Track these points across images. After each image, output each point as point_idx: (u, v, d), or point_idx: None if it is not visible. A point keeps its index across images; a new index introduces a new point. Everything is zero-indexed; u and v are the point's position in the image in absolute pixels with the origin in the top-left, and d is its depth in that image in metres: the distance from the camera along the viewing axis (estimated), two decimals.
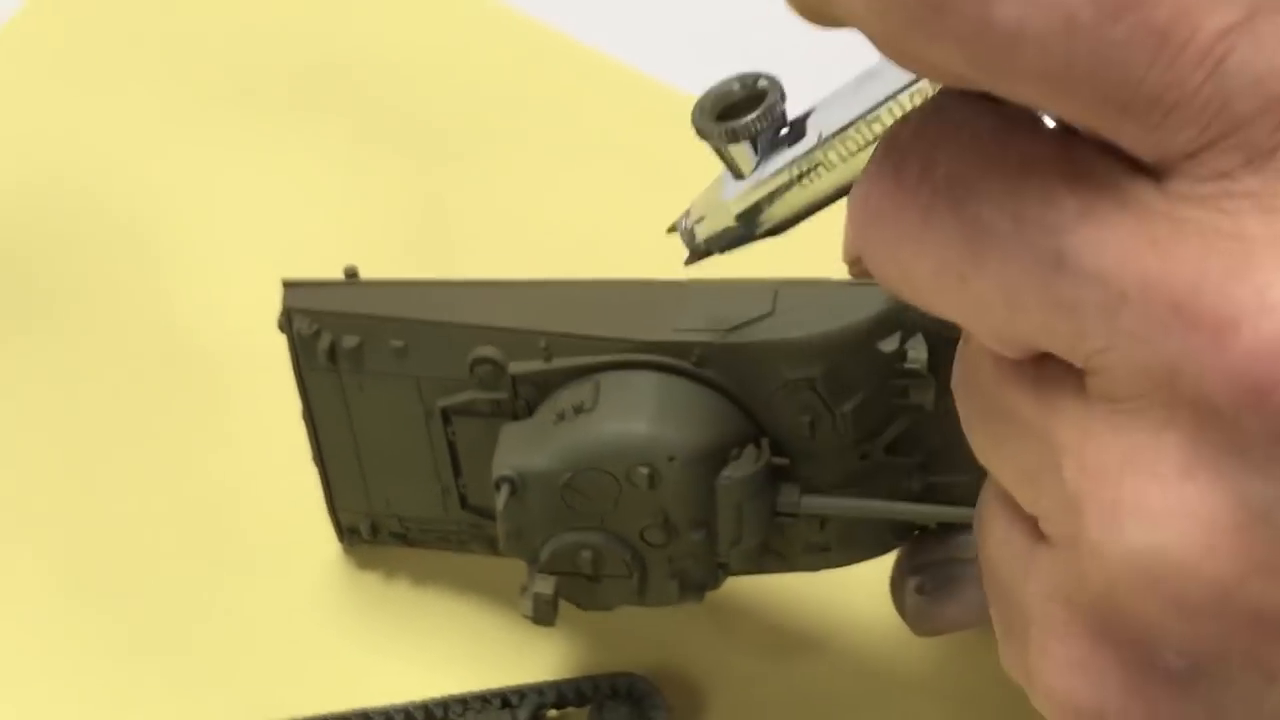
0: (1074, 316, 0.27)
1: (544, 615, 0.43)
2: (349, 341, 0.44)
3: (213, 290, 0.55)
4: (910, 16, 0.26)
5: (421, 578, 0.51)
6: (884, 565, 0.47)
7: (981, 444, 0.31)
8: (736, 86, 0.35)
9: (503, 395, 0.43)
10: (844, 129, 0.34)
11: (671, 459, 0.41)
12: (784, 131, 0.35)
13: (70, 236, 0.56)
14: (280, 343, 0.53)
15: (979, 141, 0.28)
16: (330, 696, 0.49)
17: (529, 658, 0.49)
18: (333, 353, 0.44)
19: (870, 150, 0.33)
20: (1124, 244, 0.27)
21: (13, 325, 0.55)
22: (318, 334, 0.44)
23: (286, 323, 0.45)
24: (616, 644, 0.50)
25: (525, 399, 0.43)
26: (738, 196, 0.36)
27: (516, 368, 0.42)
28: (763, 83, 0.35)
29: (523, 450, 0.42)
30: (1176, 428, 0.27)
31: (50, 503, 0.52)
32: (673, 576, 0.43)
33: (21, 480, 0.52)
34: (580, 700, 0.48)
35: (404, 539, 0.48)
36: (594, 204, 0.56)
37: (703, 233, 0.37)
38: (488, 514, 0.46)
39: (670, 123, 0.57)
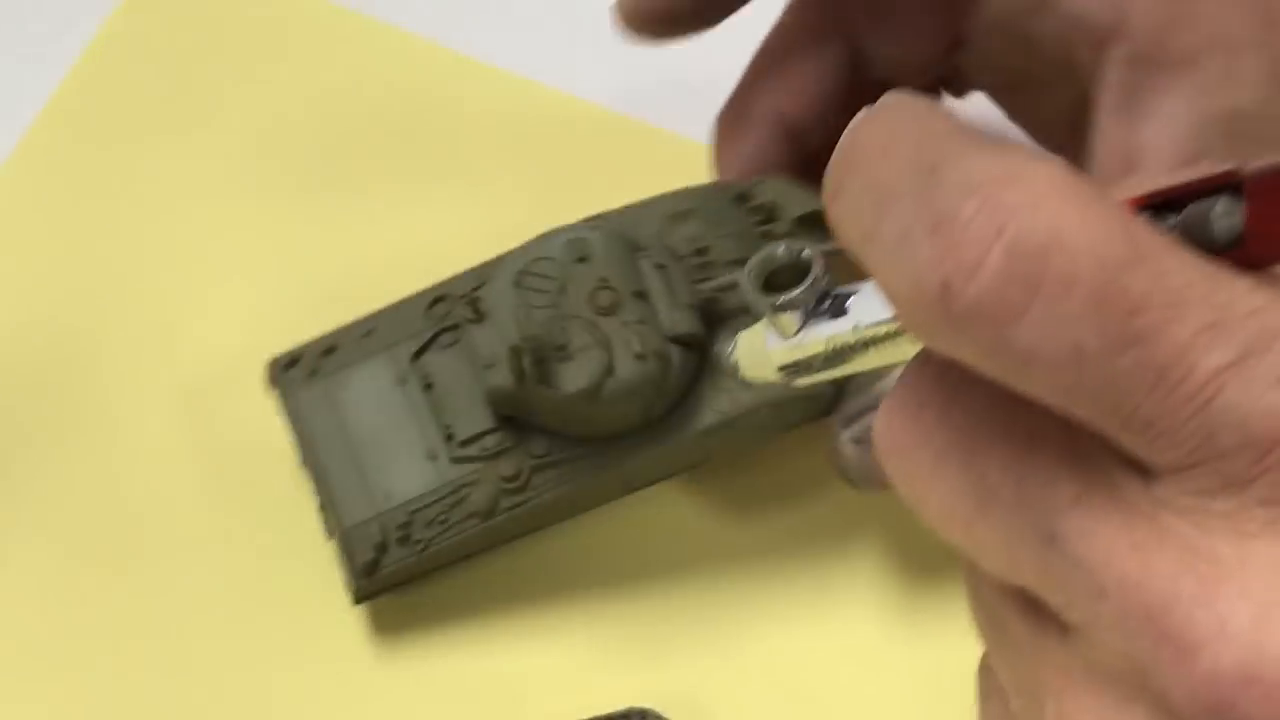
0: (1062, 589, 0.30)
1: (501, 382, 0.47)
2: (323, 346, 0.51)
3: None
4: (932, 322, 0.28)
5: (435, 624, 0.52)
6: (887, 588, 0.50)
7: (983, 636, 0.33)
8: (781, 252, 0.37)
9: (460, 318, 0.49)
10: (878, 327, 0.36)
11: (595, 229, 0.48)
12: (826, 303, 0.37)
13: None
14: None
15: (993, 406, 0.30)
16: None
17: (545, 701, 0.51)
18: (313, 367, 0.50)
19: (898, 352, 0.35)
20: (1110, 540, 0.29)
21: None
22: (295, 360, 0.50)
23: (272, 372, 0.51)
24: (627, 680, 0.51)
25: (479, 310, 0.49)
26: (781, 352, 0.37)
27: (462, 289, 0.50)
28: (807, 254, 0.37)
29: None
30: (1143, 707, 0.29)
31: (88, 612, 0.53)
32: (636, 357, 0.47)
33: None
34: None
35: (411, 546, 0.48)
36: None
37: (745, 372, 0.39)
38: (475, 442, 0.48)
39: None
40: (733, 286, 0.48)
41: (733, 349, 0.40)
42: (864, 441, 0.46)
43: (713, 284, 0.49)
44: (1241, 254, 0.28)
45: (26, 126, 0.61)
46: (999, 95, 0.53)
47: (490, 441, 0.48)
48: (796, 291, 0.36)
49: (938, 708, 0.50)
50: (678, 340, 0.48)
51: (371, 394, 0.50)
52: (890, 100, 0.31)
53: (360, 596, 0.49)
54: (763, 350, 0.39)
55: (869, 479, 0.47)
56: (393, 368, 0.50)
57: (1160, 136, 0.45)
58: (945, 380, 0.31)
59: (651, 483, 0.50)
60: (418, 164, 0.60)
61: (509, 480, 0.48)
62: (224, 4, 0.63)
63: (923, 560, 0.53)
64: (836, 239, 0.31)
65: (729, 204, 0.51)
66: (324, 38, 0.63)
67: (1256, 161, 0.28)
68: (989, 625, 0.32)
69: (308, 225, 0.59)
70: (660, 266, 0.49)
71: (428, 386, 0.50)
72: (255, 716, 0.51)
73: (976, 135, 0.29)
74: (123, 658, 0.52)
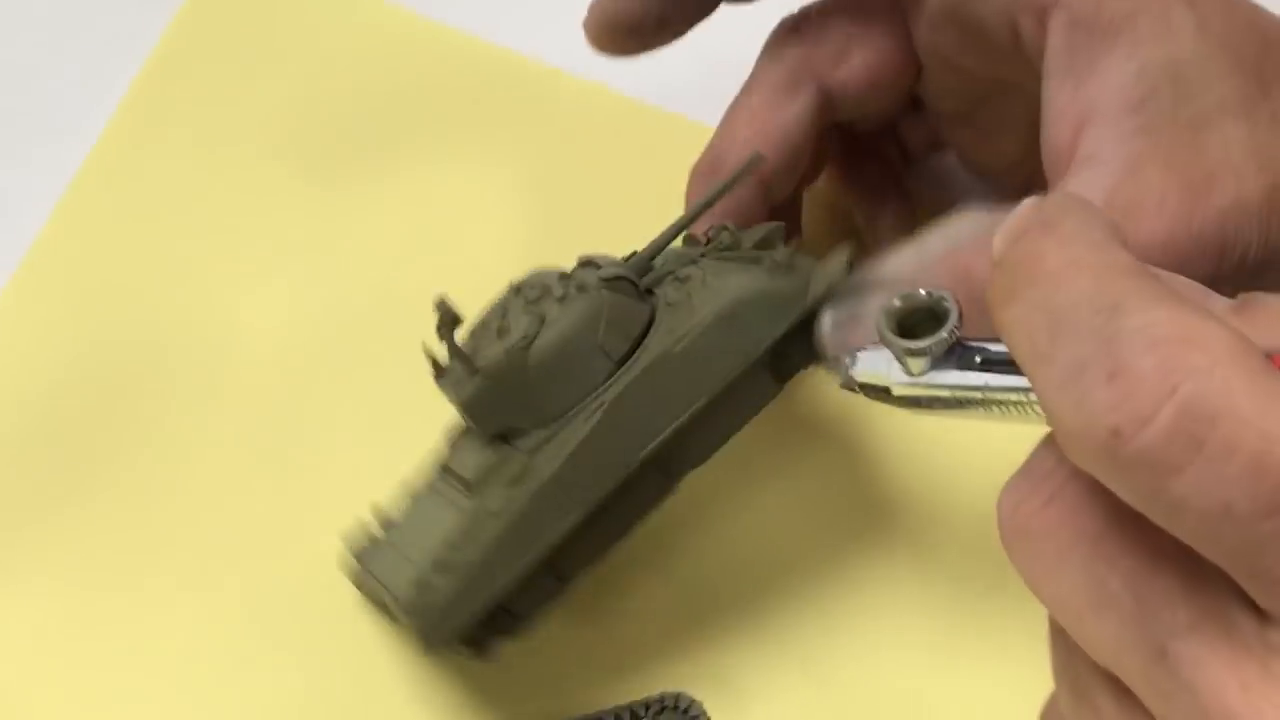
0: (1164, 701, 0.31)
1: None
2: (380, 519, 0.53)
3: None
4: (1096, 458, 0.31)
5: None
6: (916, 582, 0.51)
7: (1065, 697, 0.34)
8: (922, 295, 0.38)
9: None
10: (1008, 394, 0.36)
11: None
12: (956, 351, 0.37)
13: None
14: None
15: (1120, 517, 0.32)
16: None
17: (582, 690, 0.52)
18: (374, 536, 0.53)
19: (1024, 420, 0.36)
20: (1221, 673, 0.31)
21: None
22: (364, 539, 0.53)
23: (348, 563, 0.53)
24: (658, 666, 0.52)
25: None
26: (902, 386, 0.38)
27: None
28: (946, 304, 0.37)
29: None
30: None
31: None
32: (559, 300, 0.49)
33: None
34: None
35: (449, 572, 0.48)
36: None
37: (862, 384, 0.39)
38: (481, 471, 0.49)
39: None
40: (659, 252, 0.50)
41: (852, 363, 0.40)
42: (842, 326, 0.46)
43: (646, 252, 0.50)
44: None
45: (98, 135, 0.64)
46: (955, 129, 0.55)
47: (493, 461, 0.49)
48: (931, 340, 0.37)
49: (969, 692, 0.52)
50: (606, 282, 0.49)
51: (413, 515, 0.51)
52: (1062, 212, 0.33)
53: (425, 638, 0.48)
54: (884, 377, 0.39)
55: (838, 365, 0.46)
56: (426, 489, 0.52)
57: (1105, 90, 0.47)
58: (1079, 481, 0.32)
59: (661, 437, 0.48)
60: (452, 151, 0.62)
61: (513, 477, 0.48)
62: (276, 7, 0.65)
63: (962, 557, 0.53)
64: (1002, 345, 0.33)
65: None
66: (369, 34, 0.65)
67: None
68: (1074, 692, 0.34)
69: (362, 220, 0.61)
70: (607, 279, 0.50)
71: (449, 472, 0.51)
72: None
73: (1153, 279, 0.31)
74: (194, 663, 0.54)
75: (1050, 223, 0.33)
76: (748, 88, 0.54)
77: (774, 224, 0.51)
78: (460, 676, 0.53)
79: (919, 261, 0.45)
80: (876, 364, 0.38)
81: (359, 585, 0.52)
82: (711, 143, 0.54)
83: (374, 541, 0.52)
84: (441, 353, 0.49)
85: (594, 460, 0.47)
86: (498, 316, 0.50)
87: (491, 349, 0.49)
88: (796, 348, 0.48)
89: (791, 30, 0.54)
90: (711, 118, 0.56)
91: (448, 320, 0.47)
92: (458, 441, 0.52)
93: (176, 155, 0.63)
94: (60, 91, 0.65)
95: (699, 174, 0.54)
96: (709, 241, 0.52)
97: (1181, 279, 0.34)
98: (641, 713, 0.51)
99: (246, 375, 0.59)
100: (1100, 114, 0.47)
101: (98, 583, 0.55)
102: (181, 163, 0.63)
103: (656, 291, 0.50)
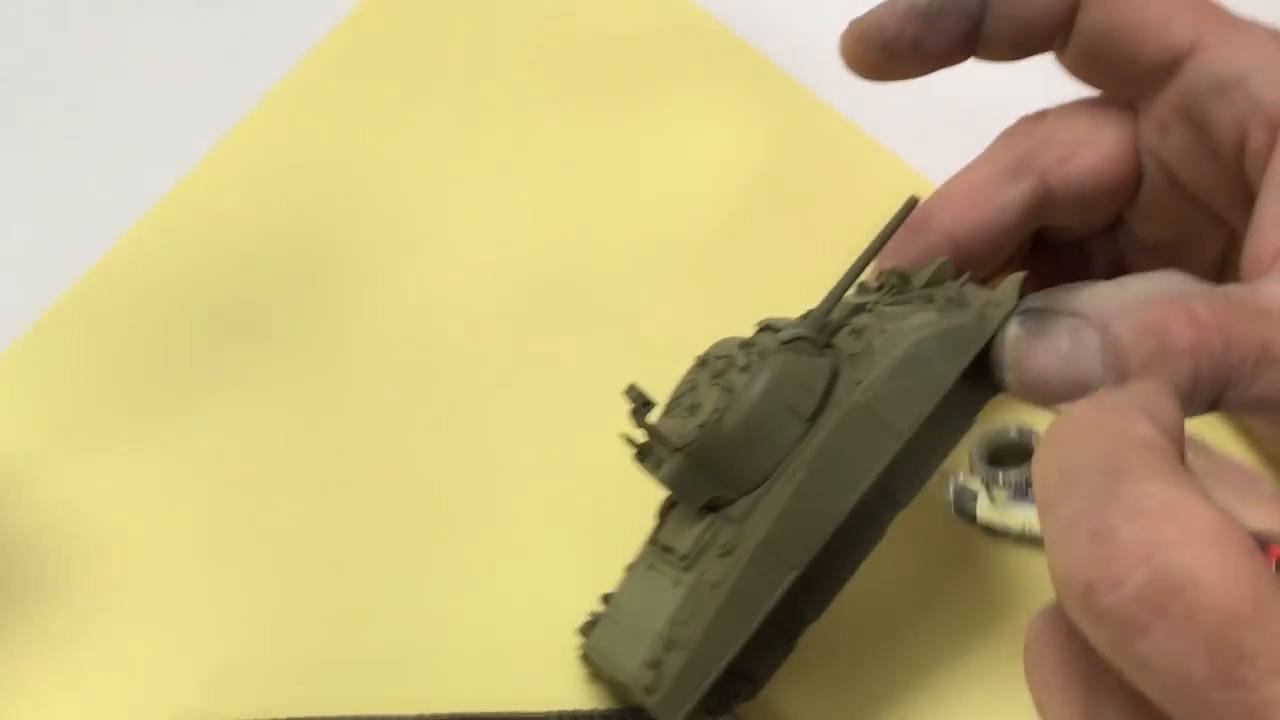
0: None
1: None
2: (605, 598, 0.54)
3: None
4: (1072, 606, 0.33)
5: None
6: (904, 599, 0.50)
7: None
8: (1014, 434, 0.40)
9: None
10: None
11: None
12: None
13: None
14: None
15: (1099, 674, 0.35)
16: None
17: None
18: (598, 618, 0.54)
19: None
20: None
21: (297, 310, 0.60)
22: (591, 624, 0.54)
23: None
24: None
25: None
26: (985, 510, 0.41)
27: None
28: (1034, 441, 0.38)
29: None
30: None
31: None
32: (741, 370, 0.49)
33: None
34: None
35: (679, 648, 0.48)
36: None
37: (955, 508, 0.42)
38: (696, 545, 0.50)
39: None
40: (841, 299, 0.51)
41: (959, 482, 0.43)
42: (1029, 329, 0.46)
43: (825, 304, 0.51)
44: None
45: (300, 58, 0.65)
46: (1143, 258, 0.56)
47: (706, 535, 0.50)
48: (1012, 471, 0.39)
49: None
50: (785, 344, 0.49)
51: (634, 593, 0.52)
52: (1119, 392, 0.37)
53: (665, 715, 0.49)
54: (972, 500, 0.41)
55: (1020, 374, 0.46)
56: (643, 565, 0.53)
57: None
58: (1074, 637, 0.35)
59: (863, 487, 0.48)
60: (665, 126, 0.63)
61: (725, 546, 0.49)
62: None
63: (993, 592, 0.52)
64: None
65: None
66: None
67: None
68: None
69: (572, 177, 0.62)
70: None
71: (665, 549, 0.52)
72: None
73: (1165, 457, 0.34)
74: (350, 552, 0.55)
75: (1102, 394, 0.37)
76: (973, 163, 0.55)
77: (942, 259, 0.51)
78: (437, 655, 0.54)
79: (1115, 299, 0.46)
80: (967, 490, 0.41)
81: (587, 662, 0.54)
82: (926, 202, 0.55)
83: (598, 618, 0.53)
84: (638, 434, 0.50)
85: (801, 520, 0.48)
86: (687, 392, 0.51)
87: (686, 426, 0.50)
88: (982, 381, 0.48)
89: (1029, 123, 0.55)
90: (926, 165, 0.56)
91: (640, 405, 0.49)
92: (668, 516, 0.53)
93: (382, 82, 0.64)
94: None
95: (907, 230, 0.54)
96: (880, 287, 0.52)
97: (1238, 465, 0.38)
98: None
99: (427, 309, 0.60)
100: None
101: (230, 465, 0.57)
102: (389, 90, 0.64)
103: (835, 344, 0.50)
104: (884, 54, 0.52)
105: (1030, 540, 0.39)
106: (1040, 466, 0.35)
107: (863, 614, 0.54)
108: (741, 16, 0.66)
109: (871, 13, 0.52)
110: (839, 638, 0.53)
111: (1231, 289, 0.46)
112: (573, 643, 0.53)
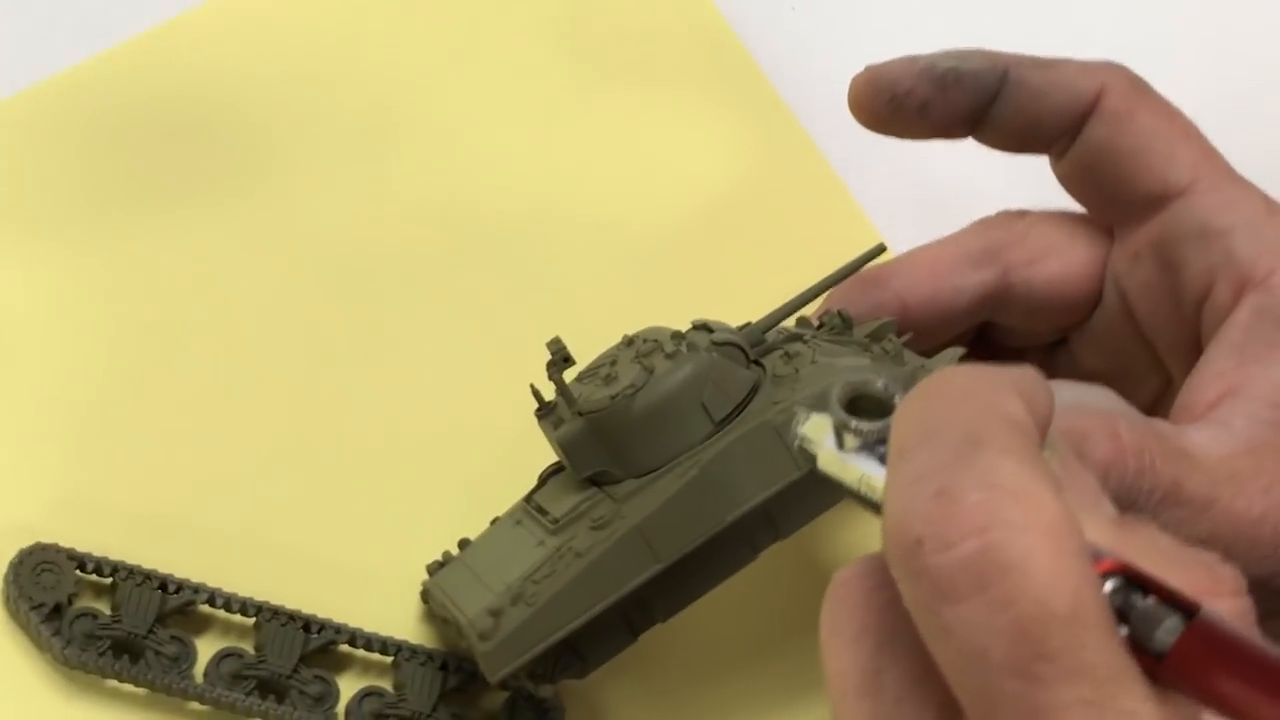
0: None
1: None
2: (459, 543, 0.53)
3: None
4: (895, 555, 0.33)
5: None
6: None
7: None
8: (877, 386, 0.39)
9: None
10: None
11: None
12: (883, 448, 0.38)
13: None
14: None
15: (917, 636, 0.34)
16: None
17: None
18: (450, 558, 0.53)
19: None
20: None
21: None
22: (441, 564, 0.53)
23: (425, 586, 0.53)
24: None
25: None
26: (827, 457, 0.39)
27: None
28: (896, 399, 0.38)
29: None
30: None
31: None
32: (667, 356, 0.49)
33: None
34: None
35: (525, 603, 0.48)
36: None
37: (800, 444, 0.41)
38: (572, 511, 0.50)
39: None
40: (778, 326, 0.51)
41: (801, 422, 0.42)
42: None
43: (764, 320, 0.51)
44: (1159, 667, 0.32)
45: None
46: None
47: (584, 504, 0.50)
48: (867, 423, 0.38)
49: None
50: (717, 346, 0.49)
51: (495, 543, 0.52)
52: (999, 368, 0.36)
53: (491, 664, 0.48)
54: (818, 444, 0.40)
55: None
56: (510, 520, 0.52)
57: (1264, 380, 0.48)
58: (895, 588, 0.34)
59: (750, 504, 0.48)
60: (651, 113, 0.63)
61: (599, 520, 0.49)
62: None
63: None
64: None
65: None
66: None
67: (1219, 608, 0.32)
68: None
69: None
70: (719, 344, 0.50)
71: (539, 510, 0.51)
72: None
73: (1028, 440, 0.34)
74: (230, 419, 0.55)
75: (986, 368, 0.36)
76: (943, 240, 0.55)
77: (887, 319, 0.52)
78: None
79: None
80: (820, 428, 0.40)
81: (427, 597, 0.53)
82: (887, 263, 0.55)
83: (449, 560, 0.53)
84: (548, 390, 0.50)
85: (682, 517, 0.48)
86: (607, 364, 0.51)
87: (598, 393, 0.49)
88: None
89: (1007, 218, 0.55)
90: (887, 230, 0.57)
91: (559, 360, 0.49)
92: (550, 479, 0.53)
93: None
94: None
95: (861, 280, 0.55)
96: (820, 325, 0.52)
97: (1087, 477, 0.37)
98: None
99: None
100: (1249, 395, 0.48)
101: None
102: None
103: (764, 363, 0.51)
104: (889, 106, 0.52)
105: (862, 499, 0.38)
106: (903, 414, 0.35)
107: (708, 632, 0.54)
108: (762, 36, 0.65)
109: (891, 63, 0.53)
110: (679, 647, 0.53)
111: (1159, 423, 0.47)
112: (419, 578, 0.53)
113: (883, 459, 0.37)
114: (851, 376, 0.39)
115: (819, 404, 0.41)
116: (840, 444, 0.39)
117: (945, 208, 0.58)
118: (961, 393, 0.35)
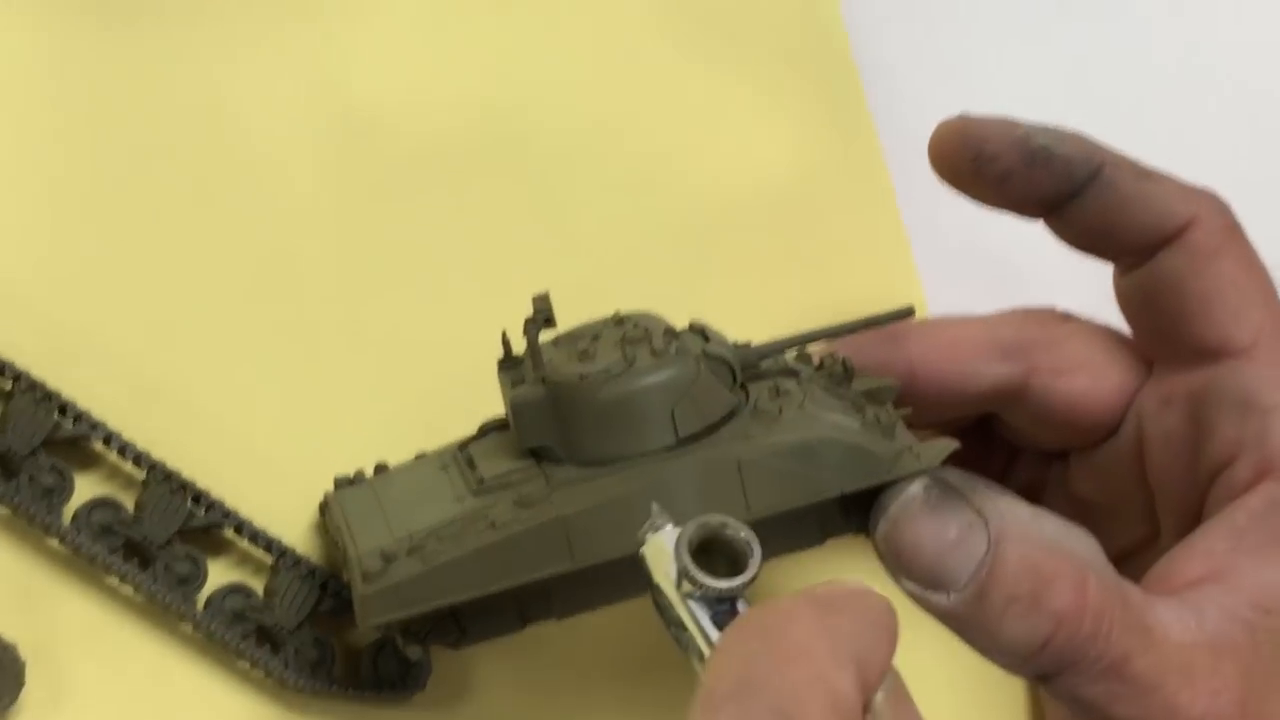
0: None
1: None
2: (376, 466, 0.51)
3: None
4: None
5: None
6: None
7: None
8: (728, 532, 0.39)
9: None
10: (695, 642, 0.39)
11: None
12: (725, 605, 0.38)
13: None
14: None
15: None
16: None
17: None
18: (362, 478, 0.50)
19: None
20: None
21: None
22: (351, 480, 0.50)
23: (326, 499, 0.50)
24: None
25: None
26: (664, 589, 0.39)
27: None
28: (750, 559, 0.38)
29: None
30: None
31: None
32: (652, 353, 0.47)
33: None
34: None
35: (420, 556, 0.46)
36: None
37: (643, 551, 0.41)
38: (502, 477, 0.47)
39: None
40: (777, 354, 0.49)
41: (651, 528, 0.41)
42: (933, 507, 0.46)
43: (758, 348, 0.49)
44: None
45: None
46: (1071, 506, 0.53)
47: (516, 475, 0.47)
48: (712, 580, 0.38)
49: None
50: (709, 358, 0.47)
51: (412, 480, 0.49)
52: (847, 628, 0.36)
53: (367, 609, 0.46)
54: (655, 568, 0.40)
55: (894, 536, 0.46)
56: (436, 460, 0.49)
57: (1259, 580, 0.47)
58: None
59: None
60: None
61: (526, 497, 0.46)
62: None
63: None
64: None
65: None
66: None
67: None
68: None
69: None
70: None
71: (469, 463, 0.48)
72: None
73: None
74: (180, 250, 0.52)
75: (836, 609, 0.36)
76: (976, 318, 0.52)
77: (890, 381, 0.49)
78: None
79: (1023, 524, 0.45)
80: (662, 549, 0.39)
81: (324, 510, 0.50)
82: (911, 323, 0.52)
83: (360, 480, 0.50)
84: (519, 343, 0.47)
85: (611, 524, 0.45)
86: (589, 338, 0.48)
87: (568, 366, 0.46)
88: (854, 512, 0.47)
89: (1050, 316, 0.52)
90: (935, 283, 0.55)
91: (540, 319, 0.46)
92: (490, 436, 0.49)
93: None
94: None
95: (877, 331, 0.52)
96: (820, 367, 0.50)
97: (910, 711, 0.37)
98: None
99: None
100: (1233, 586, 0.46)
101: None
102: None
103: (750, 390, 0.48)
104: (971, 165, 0.49)
105: (677, 640, 0.38)
106: (727, 648, 0.35)
107: (597, 635, 0.51)
108: (871, 44, 0.62)
109: (987, 120, 0.49)
110: (562, 640, 0.51)
111: (1131, 588, 0.45)
112: (325, 486, 0.50)
113: (716, 620, 0.37)
114: (710, 518, 0.38)
115: (684, 515, 0.40)
116: (678, 585, 0.38)
117: (996, 275, 0.55)
118: (795, 651, 0.34)
